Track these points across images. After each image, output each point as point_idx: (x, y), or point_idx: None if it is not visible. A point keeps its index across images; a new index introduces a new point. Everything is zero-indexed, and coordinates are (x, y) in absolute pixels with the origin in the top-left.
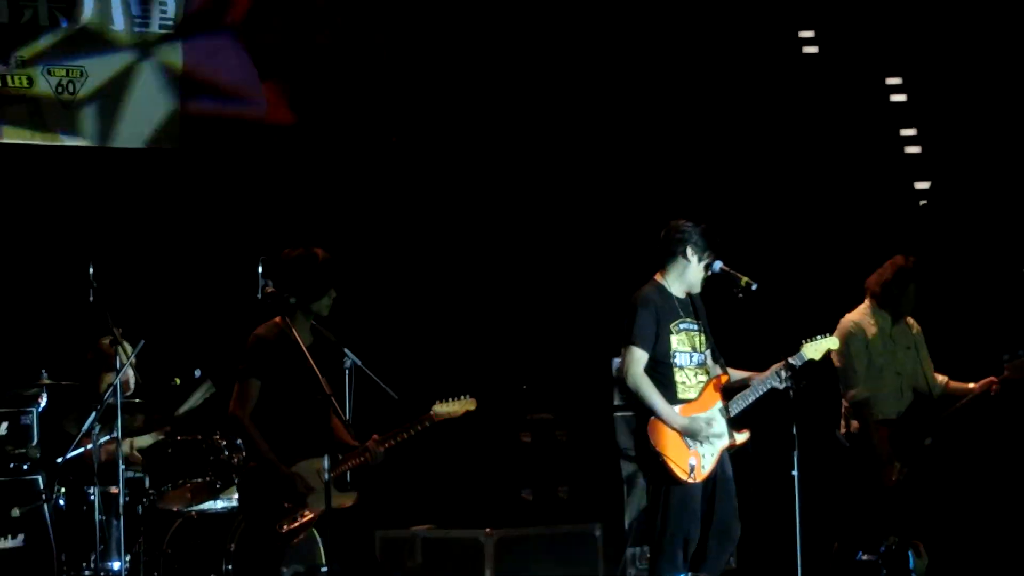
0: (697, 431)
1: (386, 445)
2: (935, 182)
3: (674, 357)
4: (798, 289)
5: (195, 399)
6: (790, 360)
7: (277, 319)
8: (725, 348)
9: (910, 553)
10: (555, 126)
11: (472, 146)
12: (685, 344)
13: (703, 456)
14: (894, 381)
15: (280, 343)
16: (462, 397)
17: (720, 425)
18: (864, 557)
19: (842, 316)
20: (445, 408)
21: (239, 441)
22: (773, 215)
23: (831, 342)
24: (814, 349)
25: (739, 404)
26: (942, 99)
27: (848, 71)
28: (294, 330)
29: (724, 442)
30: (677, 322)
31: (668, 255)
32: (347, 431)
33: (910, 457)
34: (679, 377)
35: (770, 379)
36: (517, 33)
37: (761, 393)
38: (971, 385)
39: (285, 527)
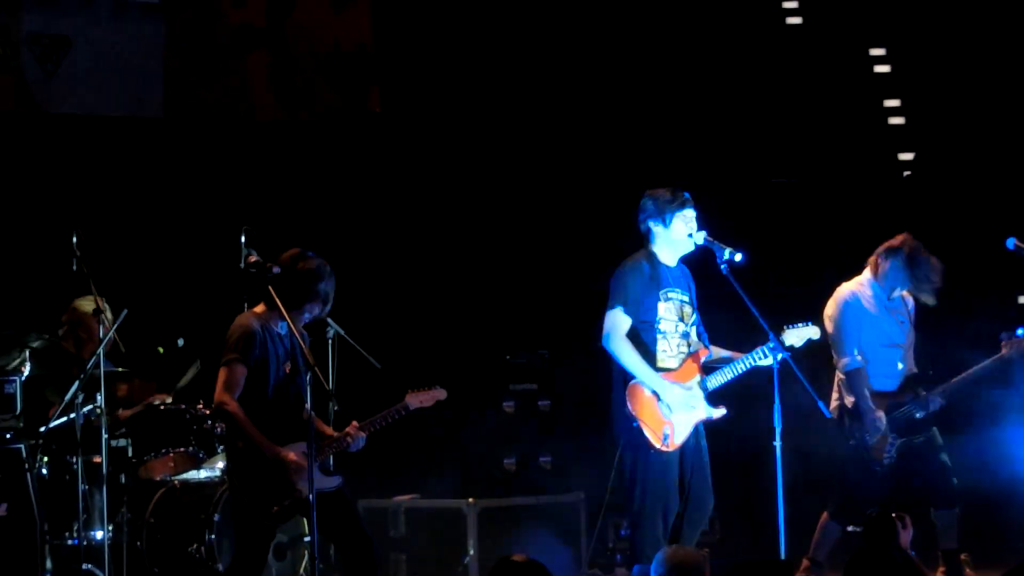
0: (677, 396)
1: (365, 431)
2: (919, 153)
3: (659, 323)
4: (782, 259)
5: (185, 378)
6: (764, 347)
7: (258, 307)
8: (709, 325)
9: (896, 524)
10: (543, 99)
11: (453, 122)
12: (672, 313)
13: (677, 426)
14: (889, 353)
15: (263, 328)
16: (434, 386)
17: (697, 398)
18: (850, 529)
19: (825, 287)
20: (417, 398)
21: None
22: (757, 186)
23: (812, 331)
24: (796, 335)
25: (717, 379)
26: (926, 70)
27: (832, 42)
28: (280, 305)
29: (699, 415)
30: (666, 290)
31: (647, 222)
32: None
33: (903, 431)
34: (661, 345)
35: (752, 357)
36: (494, 12)
37: (740, 372)
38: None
39: (275, 508)
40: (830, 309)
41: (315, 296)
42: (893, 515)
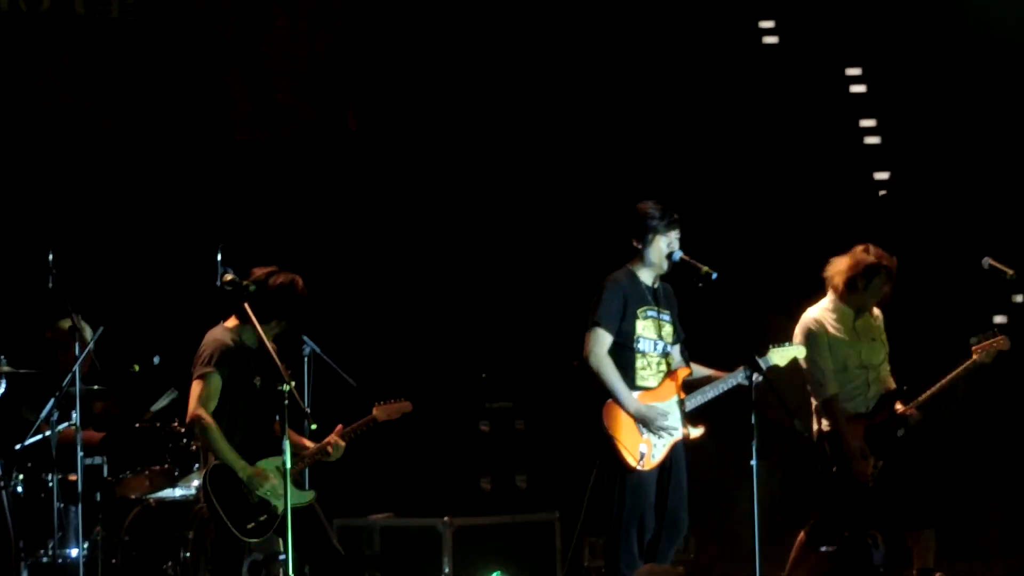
0: (652, 420)
1: (346, 440)
2: (894, 172)
3: (637, 342)
4: (758, 280)
5: (160, 403)
6: (754, 363)
7: (229, 321)
8: (689, 342)
9: (870, 544)
10: (517, 118)
11: (433, 135)
12: (650, 331)
13: (654, 445)
14: (860, 375)
15: (236, 343)
16: (400, 399)
17: (675, 417)
18: (824, 549)
19: (802, 306)
20: (384, 411)
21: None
22: (733, 205)
23: (798, 351)
24: (780, 355)
25: (697, 399)
26: (901, 90)
27: (808, 61)
28: (255, 320)
29: (678, 434)
30: (644, 308)
31: (630, 239)
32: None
33: (884, 450)
34: (640, 363)
35: (733, 378)
36: (472, 30)
37: (722, 391)
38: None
39: (251, 525)
40: (797, 338)
41: (287, 311)
42: (866, 535)
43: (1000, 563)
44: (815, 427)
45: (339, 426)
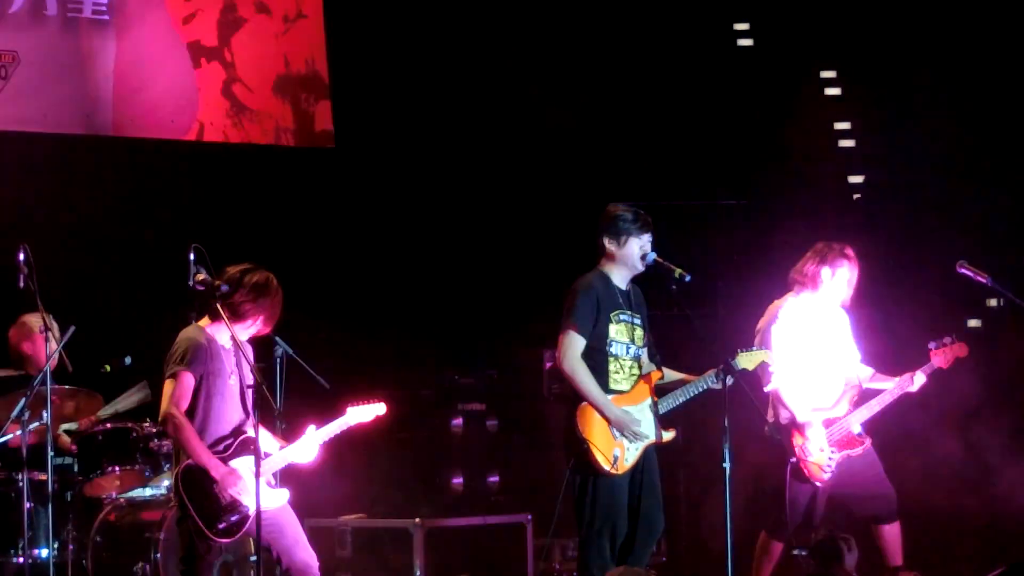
0: (626, 425)
1: (321, 439)
2: (869, 176)
3: (610, 346)
4: (731, 280)
5: (129, 401)
6: (723, 368)
7: (202, 321)
8: (662, 346)
9: (842, 546)
10: (492, 117)
11: (407, 137)
12: (623, 335)
13: (627, 449)
14: (823, 369)
15: (208, 342)
16: (373, 401)
17: (648, 421)
18: (796, 552)
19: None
20: (358, 413)
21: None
22: (709, 207)
23: (765, 354)
24: (749, 359)
25: (669, 403)
26: (876, 93)
27: (783, 64)
28: (227, 321)
29: (650, 438)
30: (617, 312)
31: (603, 241)
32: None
33: (840, 445)
34: (613, 367)
35: (704, 381)
36: (446, 33)
37: (693, 395)
38: (893, 379)
39: (222, 524)
40: (760, 324)
41: (260, 310)
42: (839, 537)
43: (978, 560)
44: (770, 419)
45: (311, 426)
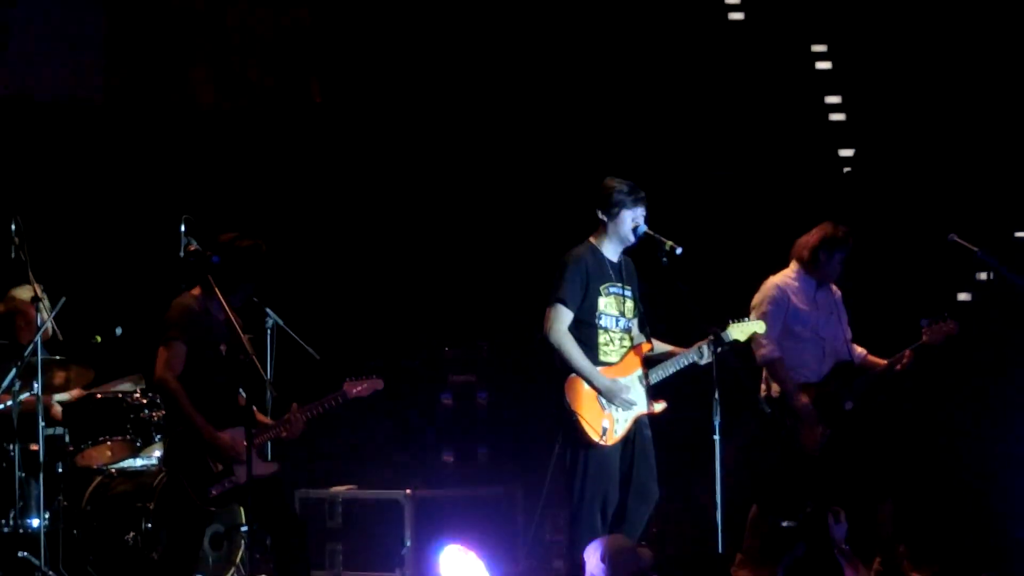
0: (616, 393)
1: (304, 417)
2: (859, 149)
3: (600, 318)
4: (722, 253)
5: (120, 387)
6: (713, 339)
7: (195, 290)
8: (651, 318)
9: (830, 519)
10: (482, 90)
11: (397, 107)
12: (612, 307)
13: (616, 420)
14: (816, 346)
15: (200, 310)
16: (372, 376)
17: (637, 392)
18: (785, 524)
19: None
20: (355, 387)
21: (159, 400)
22: (697, 180)
23: (757, 326)
24: (740, 331)
25: (659, 374)
26: (867, 67)
27: (774, 38)
28: (217, 295)
29: (640, 409)
30: (607, 284)
31: (596, 214)
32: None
33: (831, 421)
34: (603, 339)
35: (693, 354)
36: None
37: (682, 366)
38: (885, 361)
39: (214, 491)
40: (755, 300)
41: (250, 276)
42: (828, 510)
43: (965, 540)
44: (763, 393)
45: (294, 404)
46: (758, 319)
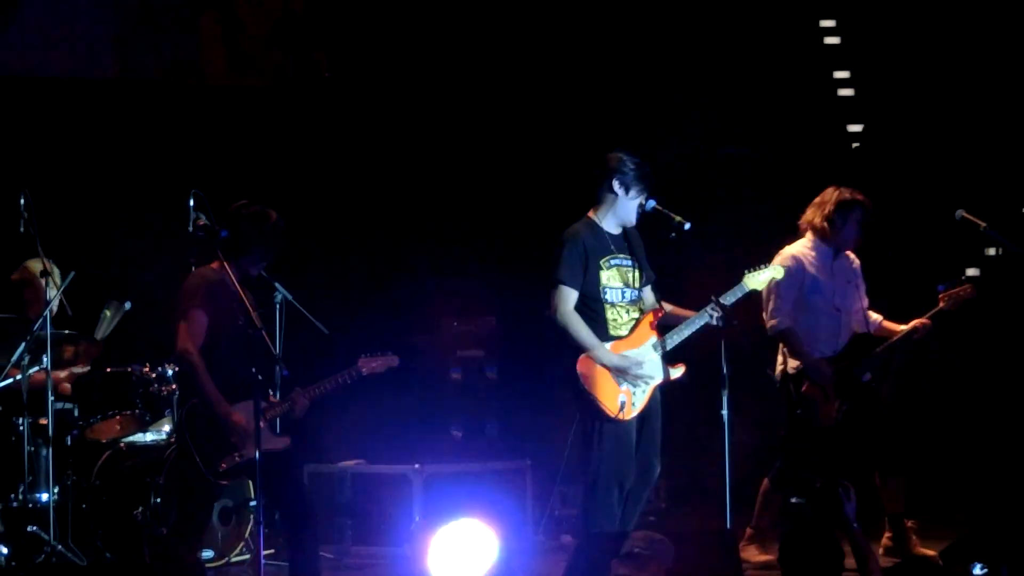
0: (627, 369)
1: (310, 396)
2: (868, 124)
3: (604, 293)
4: (732, 234)
5: (107, 322)
6: (726, 295)
7: (213, 264)
8: (661, 286)
9: (841, 494)
10: (491, 62)
11: (406, 81)
12: (616, 280)
13: (634, 394)
14: (833, 317)
15: (218, 283)
16: (387, 353)
17: (653, 363)
18: (794, 501)
19: (773, 257)
20: (369, 364)
21: (170, 373)
22: (707, 158)
23: (775, 271)
24: (756, 280)
25: (674, 339)
26: (875, 42)
27: (782, 13)
28: (227, 269)
29: (657, 380)
30: (608, 258)
31: (599, 189)
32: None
33: (848, 395)
34: (610, 314)
35: (704, 315)
36: None
37: (697, 328)
38: (902, 327)
39: (224, 465)
40: None
41: (261, 243)
42: (838, 486)
43: (973, 512)
44: (778, 368)
45: (296, 388)
46: (768, 288)
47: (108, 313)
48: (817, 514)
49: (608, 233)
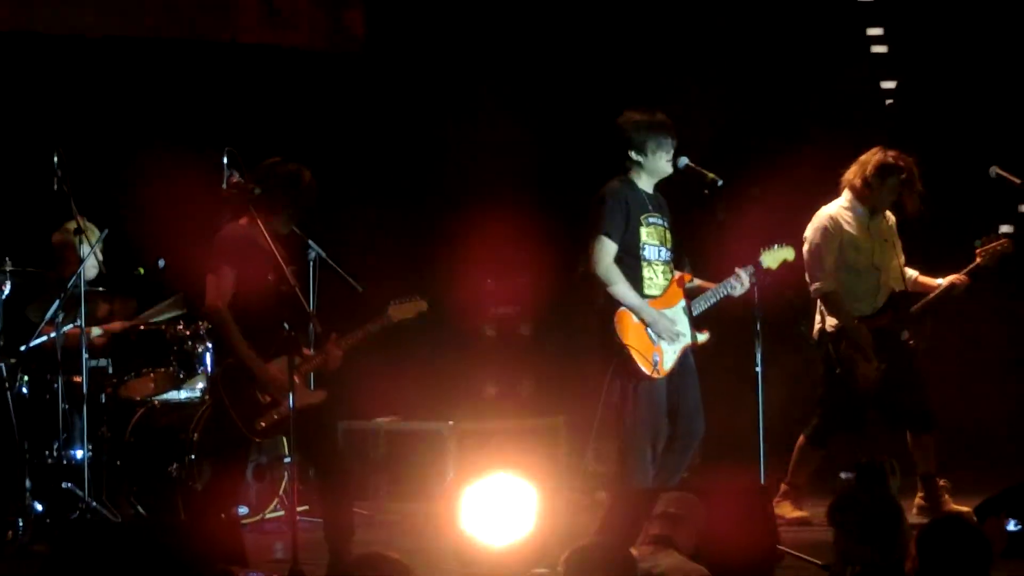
0: (665, 327)
1: (343, 347)
2: (901, 81)
3: (643, 250)
4: (763, 190)
5: (163, 312)
6: (744, 269)
7: (242, 220)
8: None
9: (887, 469)
10: (525, 28)
11: (438, 46)
12: (654, 238)
13: (665, 352)
14: (871, 276)
15: (247, 239)
16: (415, 298)
17: (683, 324)
18: (843, 476)
19: (806, 217)
20: (399, 310)
21: (203, 332)
22: (739, 116)
23: (787, 252)
24: (771, 258)
25: (700, 305)
26: None
27: None
28: (260, 224)
29: (686, 340)
30: (646, 215)
31: (628, 148)
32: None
33: (887, 354)
34: (647, 272)
35: (726, 285)
36: None
37: (720, 297)
38: (939, 281)
39: (263, 423)
40: (808, 231)
41: (293, 202)
42: (884, 461)
43: (1003, 471)
44: (816, 326)
45: (332, 334)
46: (809, 249)
47: (169, 307)
48: (863, 487)
49: (645, 192)
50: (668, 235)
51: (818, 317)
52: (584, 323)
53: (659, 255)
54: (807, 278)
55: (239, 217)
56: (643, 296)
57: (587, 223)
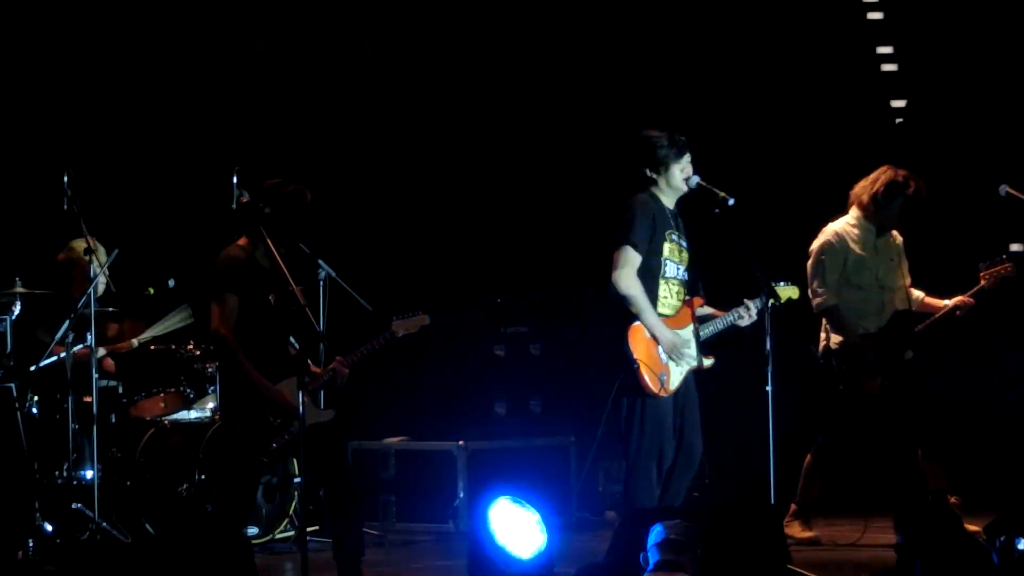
0: (678, 347)
1: (349, 364)
2: (911, 100)
3: (665, 265)
4: (773, 209)
5: (171, 324)
6: (749, 303)
7: (242, 240)
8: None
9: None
10: (535, 39)
11: (446, 58)
12: (675, 255)
13: (672, 372)
14: (877, 295)
15: (249, 261)
16: (418, 313)
17: (692, 346)
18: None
19: (815, 235)
20: (402, 325)
21: (212, 351)
22: (749, 134)
23: (792, 291)
24: (779, 291)
25: (709, 330)
26: (918, 16)
27: None
28: (269, 242)
29: (693, 363)
30: (670, 231)
31: (647, 165)
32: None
33: (891, 372)
34: (663, 290)
35: (733, 314)
36: None
37: (726, 326)
38: (945, 302)
39: (275, 444)
40: (813, 246)
41: (296, 222)
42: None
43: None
44: (821, 344)
45: (338, 357)
46: (812, 265)
47: (177, 316)
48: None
49: (668, 208)
50: (685, 255)
51: (823, 334)
52: (595, 343)
53: (677, 273)
54: (809, 293)
55: (239, 238)
56: (656, 314)
57: (613, 231)
